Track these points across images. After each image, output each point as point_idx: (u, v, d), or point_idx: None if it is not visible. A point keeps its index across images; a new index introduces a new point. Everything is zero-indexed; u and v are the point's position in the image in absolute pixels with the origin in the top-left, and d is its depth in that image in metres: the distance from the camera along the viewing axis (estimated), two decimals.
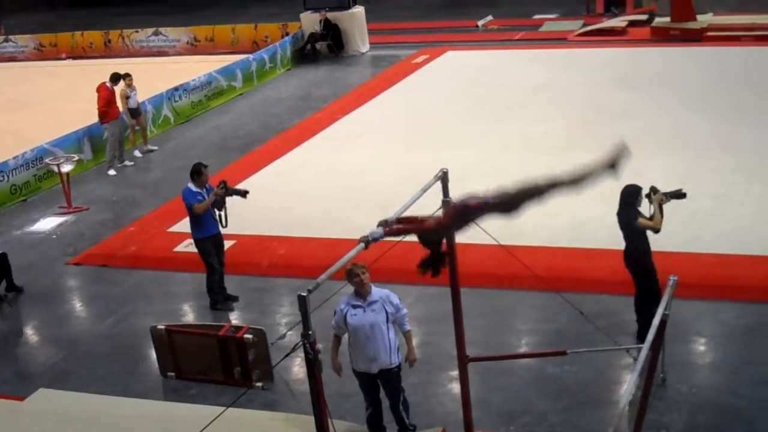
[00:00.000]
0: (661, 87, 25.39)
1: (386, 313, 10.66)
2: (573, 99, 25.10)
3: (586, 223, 16.74)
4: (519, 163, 20.33)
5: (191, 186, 15.00)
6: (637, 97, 24.49)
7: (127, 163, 23.50)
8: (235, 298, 15.59)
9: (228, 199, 15.18)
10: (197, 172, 15.05)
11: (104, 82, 22.88)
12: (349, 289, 10.76)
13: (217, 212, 15.10)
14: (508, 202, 8.95)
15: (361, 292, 10.62)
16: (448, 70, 30.47)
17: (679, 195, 12.93)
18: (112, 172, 23.03)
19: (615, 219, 16.63)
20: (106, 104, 22.78)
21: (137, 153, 24.43)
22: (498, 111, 24.77)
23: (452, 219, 9.20)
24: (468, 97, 26.47)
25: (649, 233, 12.78)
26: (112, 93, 22.94)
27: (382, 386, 10.99)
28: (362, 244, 8.72)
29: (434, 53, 32.68)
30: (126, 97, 23.93)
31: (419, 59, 32.06)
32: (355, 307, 10.64)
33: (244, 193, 15.22)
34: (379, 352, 10.67)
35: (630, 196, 12.82)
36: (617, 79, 26.63)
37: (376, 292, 10.74)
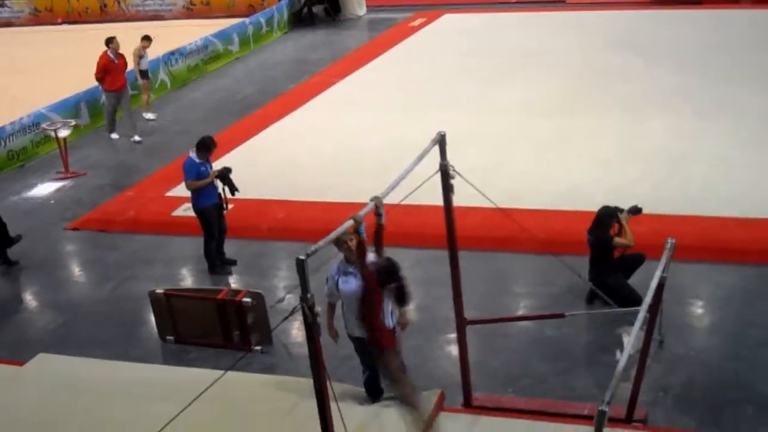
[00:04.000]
0: (660, 50, 25.33)
1: None
2: (571, 62, 25.04)
3: (582, 186, 16.78)
4: (516, 127, 20.36)
5: (193, 156, 14.92)
6: (636, 60, 24.44)
7: (113, 136, 22.97)
8: (234, 262, 15.60)
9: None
10: (207, 148, 14.98)
11: (105, 51, 22.48)
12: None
13: (220, 185, 15.07)
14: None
15: (351, 258, 10.58)
16: (445, 34, 30.38)
17: (636, 210, 13.47)
18: (114, 135, 22.89)
19: (610, 182, 16.72)
20: (100, 71, 22.48)
21: (148, 115, 24.51)
22: (495, 74, 24.69)
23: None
24: (465, 60, 26.40)
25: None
26: (110, 61, 22.55)
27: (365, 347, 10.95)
28: (350, 221, 8.68)
29: (431, 16, 32.57)
30: (139, 57, 24.01)
31: (416, 22, 31.96)
32: (346, 273, 10.55)
33: (233, 190, 15.12)
34: None
35: (609, 217, 13.03)
36: (616, 42, 26.56)
37: (371, 257, 10.69)
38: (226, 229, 15.49)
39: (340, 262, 10.64)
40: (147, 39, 24.24)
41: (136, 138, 22.51)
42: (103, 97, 23.14)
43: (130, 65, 23.55)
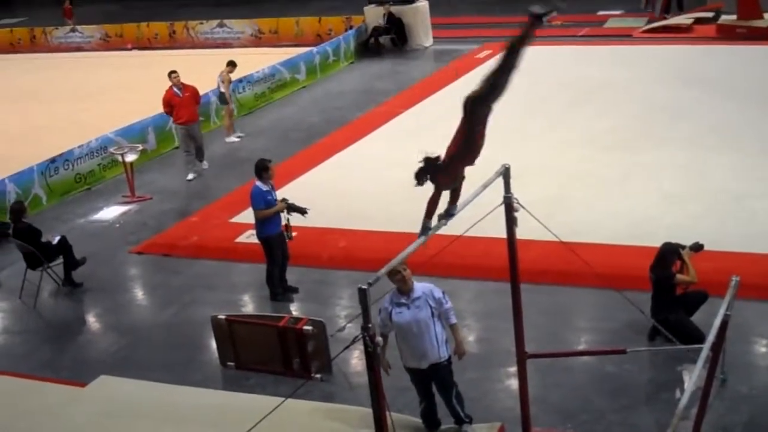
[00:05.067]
0: (726, 85, 25.13)
1: (430, 308, 10.63)
2: (636, 96, 24.90)
3: (645, 222, 16.65)
4: (580, 160, 20.29)
5: (260, 184, 15.04)
6: (702, 96, 24.26)
7: (192, 175, 22.38)
8: (295, 290, 15.66)
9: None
10: (264, 169, 15.10)
11: (170, 85, 22.34)
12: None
13: (283, 215, 15.21)
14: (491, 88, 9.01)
15: (404, 289, 10.58)
16: None
17: (698, 247, 13.51)
18: (189, 176, 22.32)
19: (673, 218, 16.58)
20: (166, 106, 22.55)
21: (231, 138, 25.05)
22: (560, 107, 24.66)
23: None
24: (530, 93, 26.28)
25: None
26: (173, 96, 22.28)
27: (433, 381, 10.97)
28: (422, 238, 8.74)
29: (497, 48, 32.40)
30: (229, 82, 24.72)
31: (482, 54, 31.92)
32: (399, 305, 10.60)
33: (303, 211, 15.25)
34: (426, 348, 10.65)
35: (671, 254, 13.02)
36: (682, 76, 26.39)
37: (419, 287, 10.69)
38: (289, 257, 15.57)
39: (392, 293, 10.66)
40: (232, 64, 24.82)
41: (205, 164, 22.65)
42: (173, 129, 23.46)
43: (219, 88, 24.47)
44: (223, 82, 24.72)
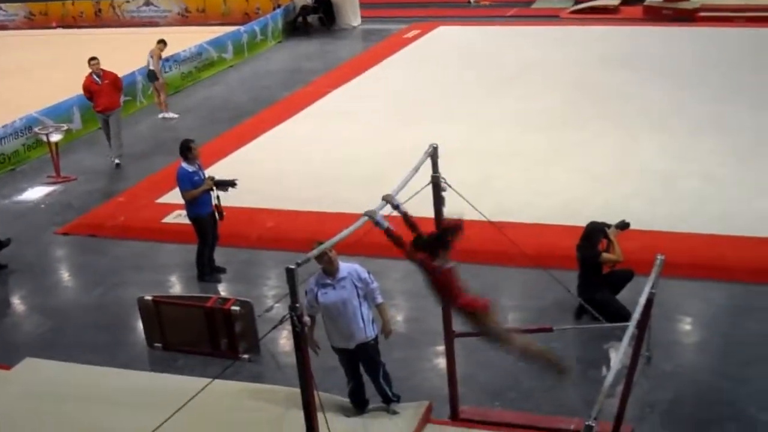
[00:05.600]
0: (654, 66, 25.39)
1: (356, 288, 10.62)
2: (564, 77, 25.07)
3: (572, 202, 16.78)
4: (508, 141, 20.39)
5: (185, 165, 14.93)
6: (630, 77, 24.50)
7: (116, 160, 21.61)
8: (223, 270, 15.59)
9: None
10: (187, 149, 14.97)
11: (89, 72, 21.61)
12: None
13: (213, 194, 15.10)
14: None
15: (330, 270, 10.57)
16: (439, 46, 30.43)
17: (624, 225, 13.49)
18: (117, 160, 21.57)
19: (601, 198, 16.74)
20: (86, 93, 21.91)
21: (169, 114, 25.11)
22: (489, 88, 24.74)
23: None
24: (459, 73, 26.45)
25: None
26: (92, 83, 21.56)
27: (360, 361, 10.99)
28: (365, 218, 8.73)
29: (426, 28, 32.61)
30: (159, 58, 24.82)
31: (410, 34, 31.98)
32: (324, 285, 10.59)
33: (232, 184, 15.10)
34: (353, 328, 10.65)
35: (597, 233, 13.14)
36: (609, 57, 26.61)
37: (344, 267, 10.68)
38: (218, 237, 15.49)
39: (318, 274, 10.65)
40: (163, 42, 24.98)
41: (116, 161, 21.52)
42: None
43: (148, 66, 24.49)
44: (152, 57, 24.59)
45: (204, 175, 15.07)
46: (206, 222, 15.18)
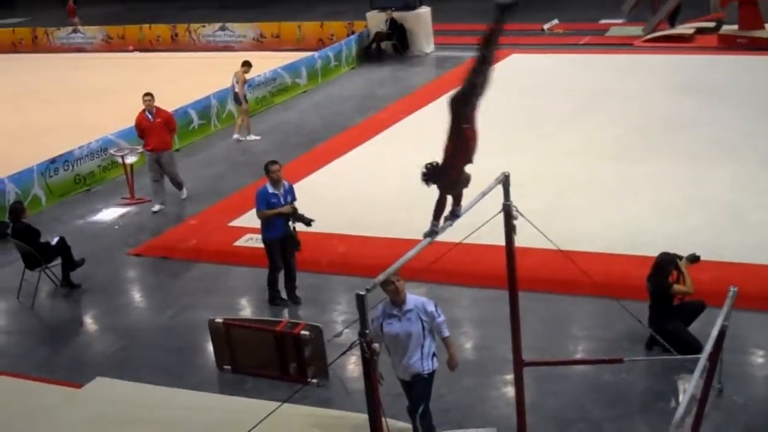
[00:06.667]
0: (727, 96, 25.16)
1: (421, 321, 10.51)
2: (637, 106, 24.93)
3: (643, 232, 16.64)
4: (579, 170, 20.29)
5: (268, 186, 15.04)
6: (703, 106, 24.30)
7: (153, 208, 20.45)
8: (299, 301, 15.58)
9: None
10: (265, 169, 15.09)
11: (143, 109, 20.63)
12: None
13: (291, 224, 15.24)
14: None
15: (396, 301, 10.49)
16: (512, 74, 30.33)
17: (695, 258, 13.45)
18: (155, 207, 20.48)
19: (671, 228, 16.59)
20: (137, 130, 20.99)
21: (251, 137, 25.27)
22: (561, 116, 24.66)
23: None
24: (531, 101, 26.40)
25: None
26: (144, 119, 20.65)
27: (411, 391, 10.80)
28: (428, 239, 8.75)
29: (499, 56, 32.46)
30: (244, 82, 25.13)
31: None
32: (390, 316, 10.51)
33: (308, 222, 15.17)
34: (412, 361, 10.55)
35: (668, 264, 13.03)
36: (683, 86, 26.42)
37: (411, 300, 10.58)
38: (292, 267, 15.52)
39: (384, 304, 10.57)
40: (247, 64, 25.26)
41: (184, 194, 20.96)
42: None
43: (233, 88, 24.91)
44: (237, 81, 24.93)
45: (284, 200, 15.10)
46: (274, 246, 15.24)
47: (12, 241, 16.92)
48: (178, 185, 21.00)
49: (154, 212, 20.28)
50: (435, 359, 10.74)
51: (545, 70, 30.45)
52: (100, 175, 22.56)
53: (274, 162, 15.27)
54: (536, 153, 21.50)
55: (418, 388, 10.74)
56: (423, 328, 10.53)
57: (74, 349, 14.96)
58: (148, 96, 20.58)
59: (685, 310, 13.05)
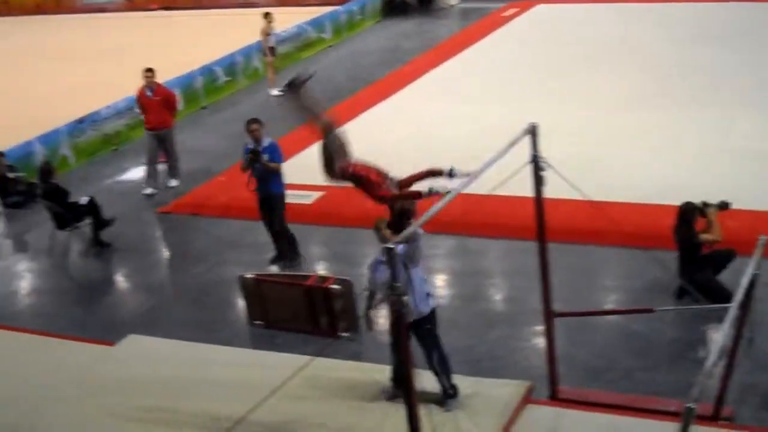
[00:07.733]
0: (746, 43, 24.97)
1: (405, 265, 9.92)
2: (654, 54, 24.94)
3: (671, 181, 16.57)
4: (606, 119, 20.24)
5: (248, 143, 15.11)
6: (730, 55, 24.15)
7: (147, 191, 19.42)
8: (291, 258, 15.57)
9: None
10: (246, 128, 15.18)
11: (143, 85, 19.64)
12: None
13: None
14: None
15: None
16: (537, 24, 30.25)
17: (725, 205, 13.20)
18: (147, 190, 19.52)
19: (700, 177, 16.48)
20: (138, 106, 20.29)
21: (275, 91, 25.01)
22: (586, 66, 24.56)
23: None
24: (557, 51, 26.28)
25: None
26: (143, 96, 19.66)
27: (415, 337, 10.54)
28: (452, 193, 8.64)
29: (524, 6, 32.44)
30: (267, 34, 25.21)
31: (508, 12, 31.84)
32: (380, 262, 10.37)
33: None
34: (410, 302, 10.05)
35: (689, 213, 12.85)
36: (698, 34, 26.27)
37: (401, 248, 9.76)
38: (276, 226, 15.53)
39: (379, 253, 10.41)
40: (268, 16, 25.45)
41: (173, 183, 19.84)
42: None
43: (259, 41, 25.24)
44: (261, 34, 25.14)
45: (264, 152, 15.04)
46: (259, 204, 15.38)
47: (42, 202, 17.02)
48: (172, 170, 19.99)
49: (147, 195, 19.30)
50: (430, 299, 10.67)
51: (570, 20, 30.27)
52: (126, 134, 22.61)
53: (254, 120, 15.21)
54: (562, 104, 21.40)
55: (423, 333, 10.60)
56: (404, 266, 9.83)
57: (106, 308, 15.07)
58: (150, 72, 19.48)
59: (714, 259, 12.99)
